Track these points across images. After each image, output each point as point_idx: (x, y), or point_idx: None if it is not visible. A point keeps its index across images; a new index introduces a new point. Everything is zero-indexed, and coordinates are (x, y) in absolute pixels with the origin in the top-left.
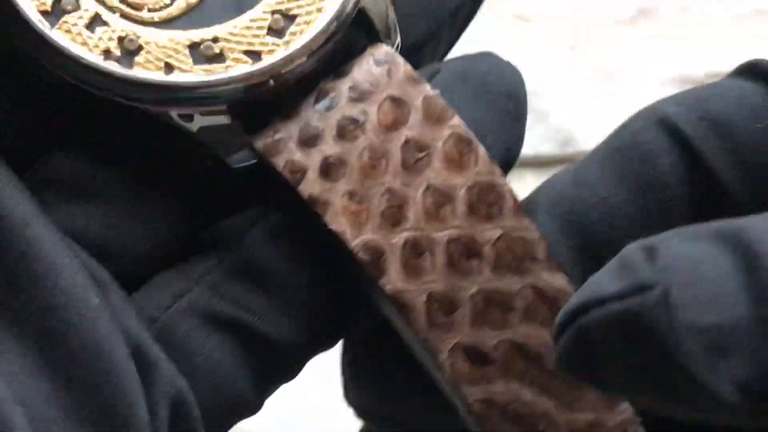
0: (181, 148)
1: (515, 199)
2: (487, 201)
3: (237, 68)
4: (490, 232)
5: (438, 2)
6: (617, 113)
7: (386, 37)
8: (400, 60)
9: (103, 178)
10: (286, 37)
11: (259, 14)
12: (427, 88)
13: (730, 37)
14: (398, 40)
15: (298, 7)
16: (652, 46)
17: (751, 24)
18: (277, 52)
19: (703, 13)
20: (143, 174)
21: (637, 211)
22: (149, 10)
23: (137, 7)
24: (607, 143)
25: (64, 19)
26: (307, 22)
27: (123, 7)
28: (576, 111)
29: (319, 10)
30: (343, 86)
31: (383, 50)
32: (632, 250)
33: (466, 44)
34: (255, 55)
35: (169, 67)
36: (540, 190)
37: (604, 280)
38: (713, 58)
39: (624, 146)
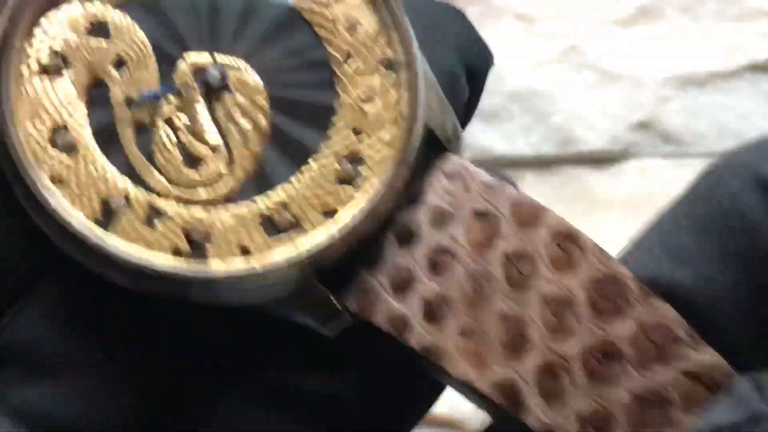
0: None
1: (638, 283)
2: (610, 294)
3: (317, 234)
4: (623, 327)
5: (453, 99)
6: (618, 113)
7: (449, 143)
8: (473, 168)
9: (68, 350)
10: (360, 183)
11: (325, 162)
12: (511, 191)
13: (732, 37)
14: (462, 142)
15: (368, 146)
16: (652, 46)
17: (752, 24)
18: (353, 205)
19: (704, 13)
20: (119, 346)
21: (746, 295)
22: (204, 186)
23: (191, 185)
24: (697, 205)
25: (118, 220)
26: (378, 162)
27: (175, 190)
28: (576, 111)
29: (387, 143)
30: (422, 215)
31: (452, 162)
32: (743, 384)
33: None
34: (331, 214)
35: (245, 251)
36: (629, 266)
37: (720, 413)
38: (714, 58)
39: (722, 214)
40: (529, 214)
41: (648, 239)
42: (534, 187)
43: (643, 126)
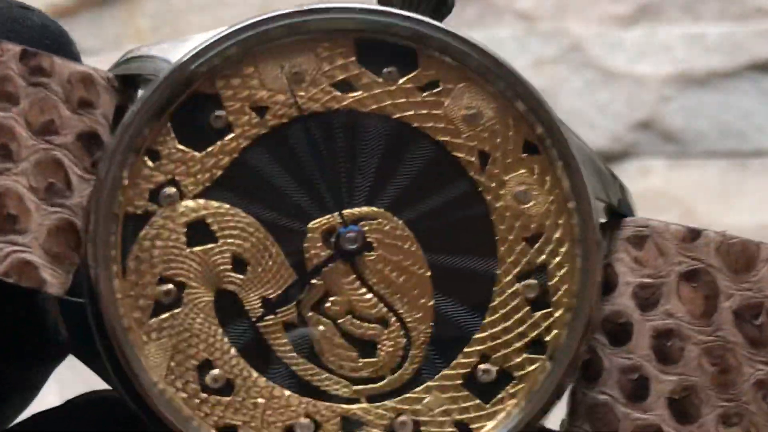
0: None
1: None
2: None
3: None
4: None
5: None
6: (618, 112)
7: (619, 206)
8: (657, 224)
9: None
10: (552, 299)
11: (507, 290)
12: (709, 235)
13: (733, 36)
14: (629, 197)
15: (544, 253)
16: (653, 45)
17: (753, 23)
18: (556, 325)
19: (705, 12)
20: None
21: None
22: (391, 371)
23: (375, 376)
24: None
25: None
26: (562, 266)
27: (361, 388)
28: (576, 110)
29: (560, 239)
30: (625, 300)
31: (632, 225)
32: None
33: None
34: (532, 344)
35: (460, 425)
36: None
37: None
38: (715, 58)
39: None
40: (742, 255)
41: None
42: None
43: (644, 125)
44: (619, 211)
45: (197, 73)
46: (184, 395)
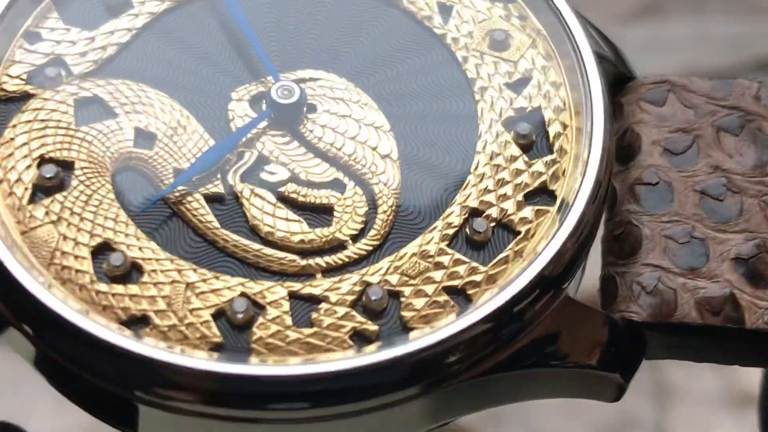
0: None
1: None
2: None
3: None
4: None
5: None
6: None
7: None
8: (682, 79)
9: None
10: (557, 156)
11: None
12: (742, 83)
13: (737, 35)
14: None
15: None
16: (655, 43)
17: (758, 21)
18: (568, 182)
19: (709, 10)
20: None
21: None
22: (353, 240)
23: (332, 244)
24: None
25: (251, 334)
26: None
27: (313, 262)
28: None
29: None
30: (655, 158)
31: (649, 83)
32: None
33: None
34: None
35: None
36: None
37: None
38: (719, 56)
39: None
40: None
41: None
42: None
43: None
44: (624, 75)
45: None
46: (73, 287)
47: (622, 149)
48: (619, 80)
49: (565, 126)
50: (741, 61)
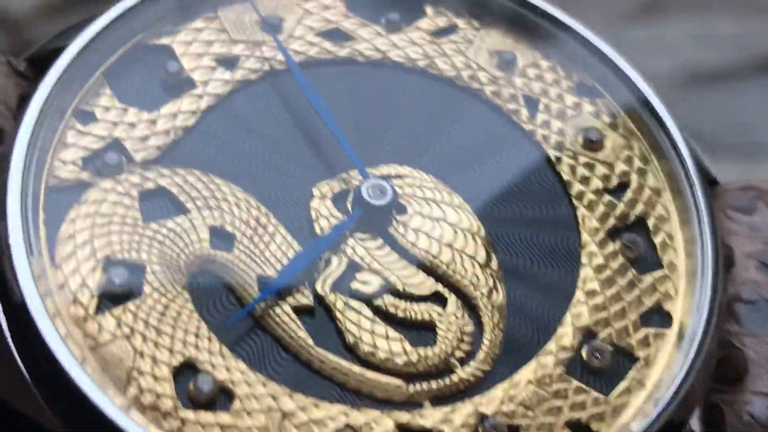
0: None
1: None
2: None
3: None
4: None
5: None
6: None
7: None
8: (764, 184)
9: None
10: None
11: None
12: None
13: (739, 34)
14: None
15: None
16: (656, 43)
17: (760, 20)
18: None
19: (710, 9)
20: None
21: None
22: (460, 362)
23: (438, 367)
24: None
25: None
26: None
27: (420, 387)
28: None
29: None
30: (753, 273)
31: (733, 188)
32: None
33: None
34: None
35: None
36: None
37: None
38: (721, 55)
39: None
40: None
41: None
42: None
43: None
44: (705, 175)
45: (138, 23)
46: (156, 414)
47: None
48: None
49: (671, 237)
50: (742, 61)
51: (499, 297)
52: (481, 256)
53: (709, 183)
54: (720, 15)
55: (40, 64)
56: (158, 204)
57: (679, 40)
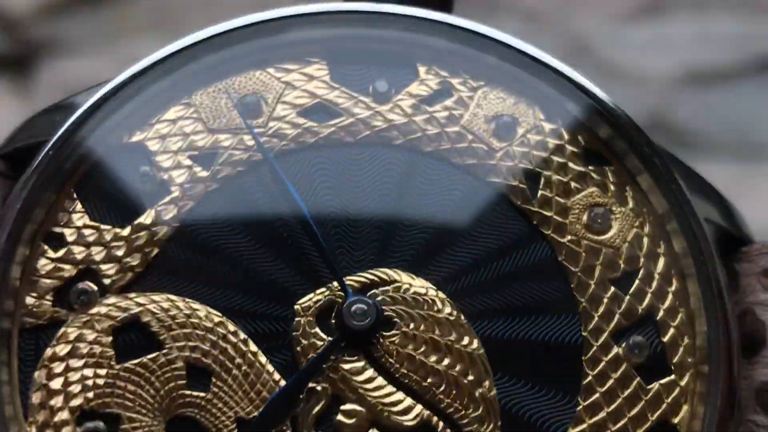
0: None
1: None
2: None
3: None
4: None
5: None
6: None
7: (740, 232)
8: None
9: None
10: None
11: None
12: None
13: (740, 33)
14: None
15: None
16: (658, 42)
17: (761, 19)
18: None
19: (711, 8)
20: None
21: None
22: None
23: None
24: None
25: None
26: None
27: None
28: None
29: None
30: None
31: (761, 252)
32: None
33: None
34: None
35: None
36: None
37: None
38: (722, 55)
39: None
40: None
41: None
42: None
43: (648, 124)
44: (736, 236)
45: (106, 128)
46: None
47: (743, 337)
48: (731, 241)
49: (681, 334)
50: (742, 60)
51: (490, 426)
52: (473, 376)
53: (742, 242)
54: (720, 15)
55: (12, 161)
56: (133, 339)
57: (679, 40)
